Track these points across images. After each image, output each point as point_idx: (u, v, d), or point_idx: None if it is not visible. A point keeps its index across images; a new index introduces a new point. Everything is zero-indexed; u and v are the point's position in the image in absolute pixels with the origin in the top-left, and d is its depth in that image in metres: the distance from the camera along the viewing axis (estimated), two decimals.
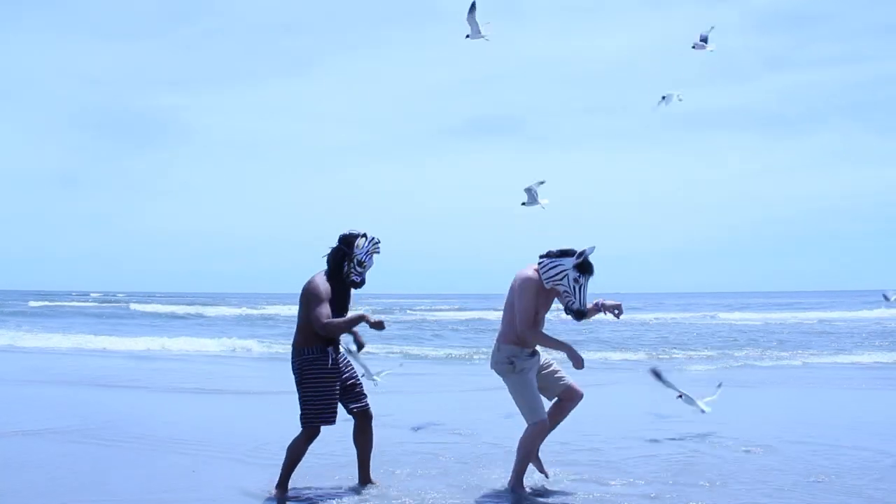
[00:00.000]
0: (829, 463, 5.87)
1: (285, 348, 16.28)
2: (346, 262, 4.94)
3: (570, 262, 4.86)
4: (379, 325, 4.89)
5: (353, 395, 5.02)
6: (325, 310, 4.75)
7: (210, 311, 39.55)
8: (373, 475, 5.15)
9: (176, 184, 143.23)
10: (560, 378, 5.11)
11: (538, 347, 5.05)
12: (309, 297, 4.81)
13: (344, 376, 4.98)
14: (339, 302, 4.91)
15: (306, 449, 4.90)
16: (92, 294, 66.90)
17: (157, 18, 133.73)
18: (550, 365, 5.11)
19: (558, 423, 5.12)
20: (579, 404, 5.14)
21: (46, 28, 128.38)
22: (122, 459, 6.09)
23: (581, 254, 4.86)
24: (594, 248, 4.90)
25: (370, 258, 4.98)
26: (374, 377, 7.11)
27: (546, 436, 5.02)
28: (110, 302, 51.68)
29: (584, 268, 4.86)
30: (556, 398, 5.13)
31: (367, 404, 5.06)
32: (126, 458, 6.11)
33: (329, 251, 4.98)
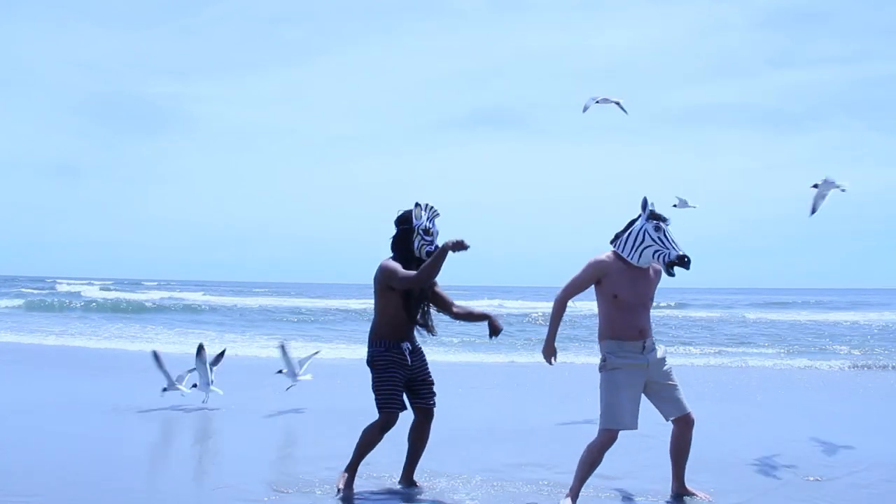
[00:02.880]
0: None
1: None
2: (413, 237, 4.81)
3: (641, 221, 4.61)
4: (461, 246, 4.55)
5: (418, 393, 4.93)
6: (406, 272, 4.67)
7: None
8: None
9: (175, 172, 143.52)
10: (677, 399, 4.66)
11: (661, 353, 4.65)
12: (386, 275, 4.73)
13: (415, 373, 4.89)
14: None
15: (380, 437, 4.84)
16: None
17: (158, 6, 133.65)
18: (674, 384, 4.67)
19: (683, 457, 4.75)
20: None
21: (47, 15, 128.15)
22: None
23: (644, 206, 4.62)
24: (645, 196, 4.66)
25: (433, 223, 4.84)
26: (298, 378, 7.77)
27: (603, 456, 4.57)
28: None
29: (657, 216, 4.59)
30: (673, 426, 4.73)
31: (431, 404, 4.95)
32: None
33: (392, 240, 4.86)
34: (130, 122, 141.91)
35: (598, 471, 4.76)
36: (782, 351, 16.98)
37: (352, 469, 4.87)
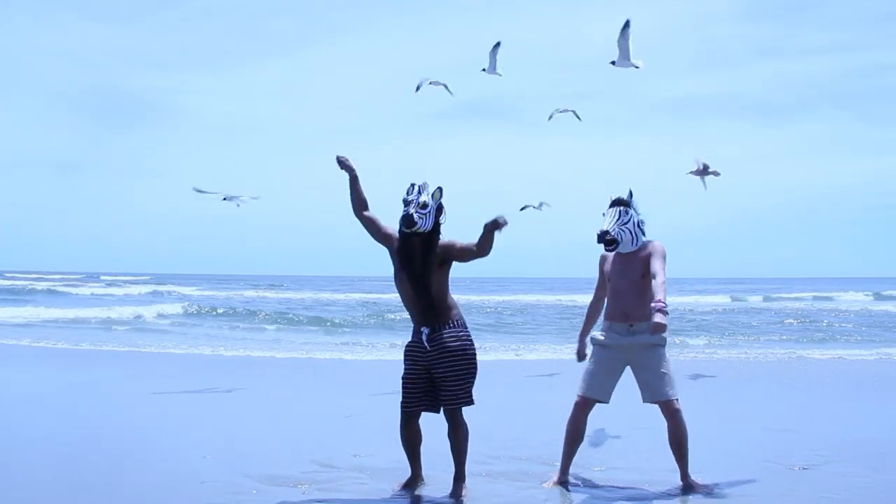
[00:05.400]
0: None
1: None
2: None
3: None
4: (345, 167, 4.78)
5: (437, 391, 4.66)
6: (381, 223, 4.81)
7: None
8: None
9: (165, 165, 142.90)
10: (655, 385, 4.78)
11: (648, 340, 4.77)
12: None
13: (431, 364, 4.61)
14: (406, 255, 4.64)
15: (403, 434, 4.73)
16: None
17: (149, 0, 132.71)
18: (657, 369, 4.80)
19: (678, 449, 4.81)
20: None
21: (34, 9, 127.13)
22: None
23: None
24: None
25: (415, 194, 4.62)
26: (237, 201, 8.40)
27: (578, 420, 4.92)
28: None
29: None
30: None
31: (447, 407, 4.62)
32: None
33: None
34: (119, 116, 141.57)
35: (597, 464, 5.11)
36: (764, 339, 17.08)
37: (411, 472, 4.82)
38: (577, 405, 4.89)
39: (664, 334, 4.69)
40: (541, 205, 9.54)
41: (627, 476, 5.16)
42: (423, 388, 4.68)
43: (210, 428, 6.80)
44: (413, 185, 4.68)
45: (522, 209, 9.51)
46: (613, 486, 4.95)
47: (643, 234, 4.94)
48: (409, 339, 4.77)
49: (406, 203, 4.63)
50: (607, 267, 5.00)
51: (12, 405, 7.84)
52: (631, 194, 5.01)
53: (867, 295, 43.53)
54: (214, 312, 24.59)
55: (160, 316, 22.33)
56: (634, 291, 4.82)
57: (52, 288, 41.36)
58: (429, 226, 4.62)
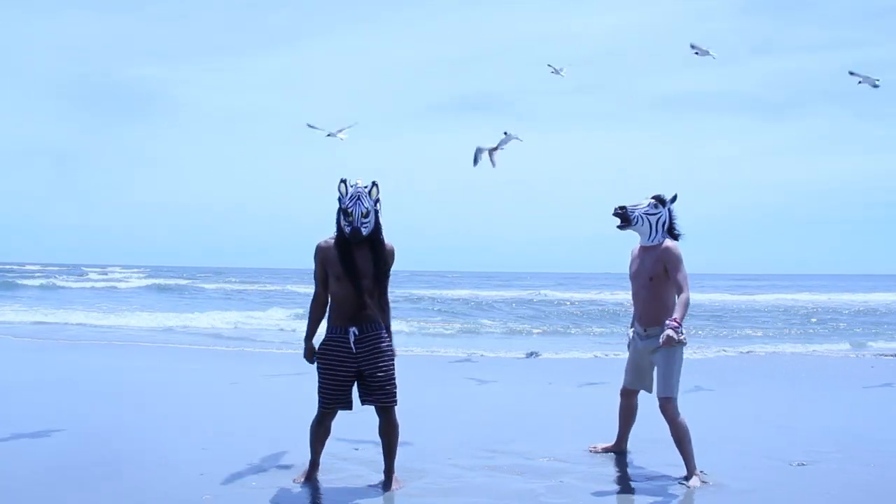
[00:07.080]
0: None
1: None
2: (339, 216, 4.56)
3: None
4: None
5: (368, 388, 4.63)
6: (318, 273, 4.60)
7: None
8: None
9: (162, 156, 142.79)
10: (656, 379, 5.12)
11: (657, 344, 5.04)
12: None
13: (361, 364, 4.59)
14: (350, 264, 4.51)
15: (318, 430, 4.75)
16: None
17: None
18: (658, 366, 5.12)
19: (676, 443, 4.99)
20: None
21: (32, 1, 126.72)
22: None
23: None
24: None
25: (354, 203, 4.49)
26: (339, 135, 8.72)
27: (622, 404, 5.52)
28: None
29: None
30: None
31: (382, 403, 4.62)
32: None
33: None
34: (116, 107, 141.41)
35: (599, 458, 5.47)
36: (763, 335, 17.10)
37: (311, 463, 4.83)
38: (621, 393, 5.49)
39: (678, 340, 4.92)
40: (509, 138, 9.10)
41: (630, 469, 5.20)
42: (347, 388, 4.66)
43: (210, 420, 6.81)
44: (343, 181, 4.55)
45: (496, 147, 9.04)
46: (615, 480, 4.98)
47: (671, 237, 5.19)
48: (326, 336, 4.66)
49: (346, 214, 4.50)
50: (631, 265, 5.31)
51: (13, 401, 7.83)
52: (674, 199, 5.27)
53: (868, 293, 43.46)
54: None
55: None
56: (645, 296, 5.17)
57: (50, 282, 41.00)
58: (372, 226, 4.55)
